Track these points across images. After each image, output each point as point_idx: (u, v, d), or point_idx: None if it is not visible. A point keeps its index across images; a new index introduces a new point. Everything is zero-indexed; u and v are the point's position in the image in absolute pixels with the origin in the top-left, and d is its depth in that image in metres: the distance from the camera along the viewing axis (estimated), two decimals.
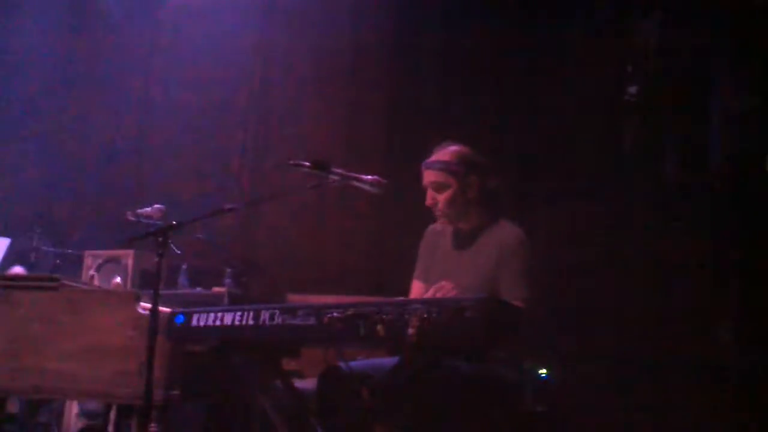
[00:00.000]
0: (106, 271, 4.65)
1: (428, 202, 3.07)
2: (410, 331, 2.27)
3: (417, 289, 3.19)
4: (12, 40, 6.44)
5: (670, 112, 2.80)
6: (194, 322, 2.95)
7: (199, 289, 4.72)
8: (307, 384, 3.26)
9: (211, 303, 4.40)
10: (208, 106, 6.17)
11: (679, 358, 2.77)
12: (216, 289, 4.71)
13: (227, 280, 4.79)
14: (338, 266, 5.68)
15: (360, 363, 2.87)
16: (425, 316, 2.26)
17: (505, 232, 3.01)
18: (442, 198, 3.05)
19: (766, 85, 3.02)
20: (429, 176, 3.08)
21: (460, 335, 2.21)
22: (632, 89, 2.92)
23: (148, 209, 3.95)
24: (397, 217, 4.98)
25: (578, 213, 3.12)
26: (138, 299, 3.27)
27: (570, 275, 3.18)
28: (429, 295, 2.77)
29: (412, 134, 5.39)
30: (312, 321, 2.57)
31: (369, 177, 3.05)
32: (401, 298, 3.07)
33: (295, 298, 4.45)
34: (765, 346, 2.78)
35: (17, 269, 5.17)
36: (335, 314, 2.48)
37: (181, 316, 3.00)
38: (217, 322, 2.86)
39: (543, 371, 2.95)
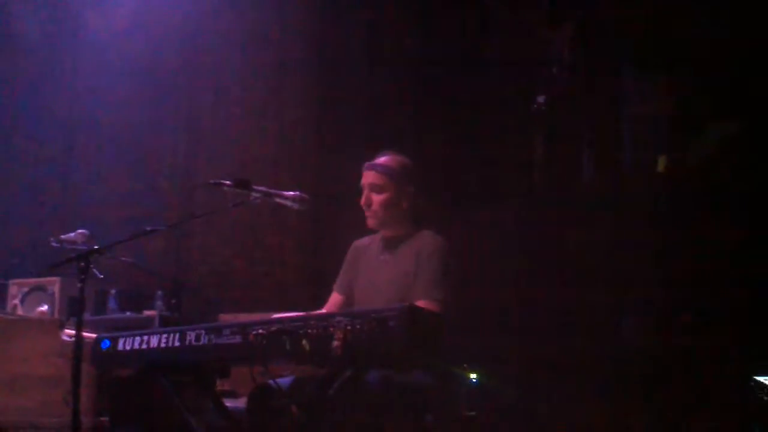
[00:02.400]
0: (32, 299, 4.56)
1: (363, 201, 3.11)
2: (335, 344, 2.28)
3: (334, 299, 3.22)
4: None
5: (581, 119, 2.89)
6: (120, 347, 2.91)
7: (128, 313, 4.65)
8: (239, 403, 3.24)
9: (141, 327, 4.33)
10: (135, 127, 6.09)
11: (588, 356, 2.85)
12: (147, 312, 4.66)
13: (158, 303, 4.73)
14: (273, 284, 5.66)
15: (288, 379, 2.86)
16: (349, 328, 2.28)
17: (425, 240, 3.06)
18: (377, 200, 3.09)
19: (673, 91, 3.14)
20: (369, 177, 3.12)
21: (384, 345, 2.23)
22: (540, 99, 3.00)
23: (72, 235, 3.89)
24: (330, 232, 4.99)
25: (498, 221, 3.20)
26: (62, 327, 3.22)
27: (489, 282, 3.24)
28: None
29: (341, 151, 5.43)
30: (238, 339, 2.56)
31: (291, 193, 3.06)
32: (324, 311, 3.10)
33: (226, 318, 4.42)
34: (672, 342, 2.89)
35: None
36: (260, 331, 2.48)
37: (107, 341, 2.96)
38: (143, 346, 2.83)
39: (472, 376, 2.99)
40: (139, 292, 4.82)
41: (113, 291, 4.72)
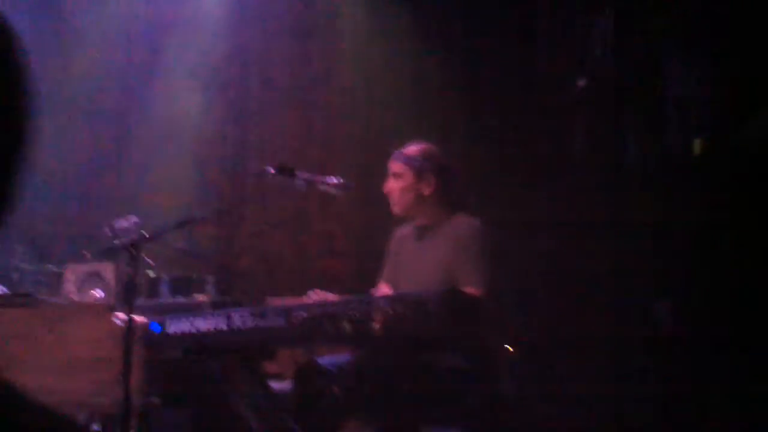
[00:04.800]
0: (88, 285, 4.68)
1: (385, 188, 3.17)
2: (375, 326, 2.31)
3: (382, 290, 3.25)
4: None
5: (624, 103, 2.85)
6: (169, 330, 2.99)
7: (180, 298, 4.74)
8: (286, 385, 3.30)
9: (192, 312, 4.43)
10: (185, 116, 6.20)
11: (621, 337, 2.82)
12: (198, 297, 4.74)
13: (209, 288, 4.82)
14: (321, 270, 5.72)
15: (332, 359, 2.91)
16: (389, 311, 2.31)
17: (462, 224, 3.08)
18: (395, 187, 3.16)
19: (716, 73, 3.08)
20: (392, 166, 3.20)
21: (423, 328, 2.25)
22: (581, 82, 2.97)
23: (124, 222, 3.97)
24: (379, 219, 5.03)
25: (539, 204, 3.18)
26: (113, 310, 3.31)
27: (533, 265, 3.23)
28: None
29: (389, 137, 5.45)
30: (281, 322, 2.61)
31: (333, 180, 3.10)
32: (366, 296, 3.14)
33: (273, 301, 4.49)
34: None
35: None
36: (302, 314, 2.52)
37: (157, 325, 3.05)
38: (192, 329, 2.90)
39: (510, 356, 2.99)
40: (190, 278, 4.90)
41: (165, 276, 4.81)
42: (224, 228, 5.88)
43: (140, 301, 3.97)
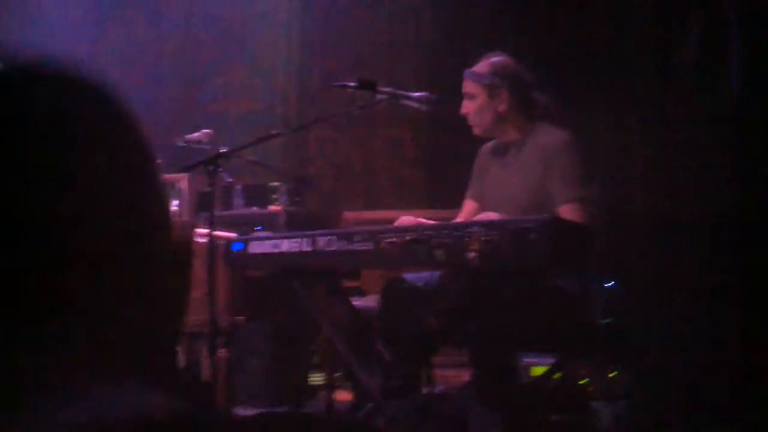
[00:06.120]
0: None
1: (461, 110, 3.05)
2: (471, 255, 2.23)
3: (467, 207, 3.15)
4: None
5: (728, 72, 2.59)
6: (252, 250, 2.96)
7: (254, 208, 4.73)
8: (368, 302, 3.27)
9: (268, 222, 4.42)
10: (250, 22, 6.07)
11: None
12: (271, 207, 4.72)
13: (282, 198, 4.78)
14: (390, 176, 5.66)
15: (417, 278, 2.84)
16: (485, 239, 2.22)
17: (547, 136, 2.93)
18: (470, 107, 3.03)
19: None
20: (464, 86, 3.07)
21: (524, 258, 2.16)
22: (686, 50, 2.70)
23: (197, 134, 3.93)
24: (447, 124, 4.90)
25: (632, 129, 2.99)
26: (193, 228, 3.29)
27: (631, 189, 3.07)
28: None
29: (459, 39, 5.27)
30: (369, 246, 2.55)
31: (417, 94, 2.98)
32: (458, 221, 3.05)
33: (350, 216, 4.44)
34: None
35: None
36: (393, 239, 2.45)
37: (239, 244, 3.02)
38: (275, 250, 2.87)
39: (609, 282, 2.90)
40: (263, 187, 4.87)
41: (238, 187, 4.78)
42: (292, 135, 5.81)
43: (215, 212, 3.95)
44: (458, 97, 3.18)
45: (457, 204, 3.34)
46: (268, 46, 6.09)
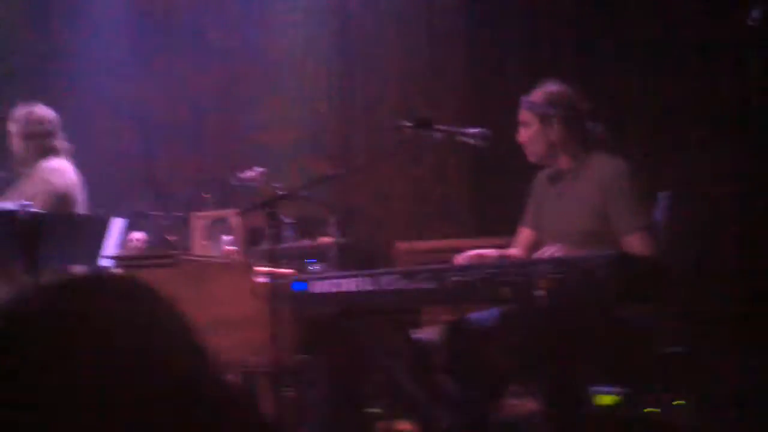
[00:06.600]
0: (214, 232, 4.74)
1: (518, 138, 3.08)
2: (539, 293, 2.24)
3: (524, 235, 3.17)
4: (87, 6, 6.52)
5: None
6: (313, 289, 2.99)
7: (306, 241, 4.77)
8: (426, 334, 3.28)
9: (320, 254, 4.45)
10: (291, 52, 6.16)
11: None
12: (322, 239, 4.75)
13: (332, 229, 4.81)
14: (437, 202, 5.68)
15: (486, 316, 2.84)
16: (553, 277, 2.22)
17: (604, 165, 2.94)
18: (525, 135, 3.06)
19: None
20: (520, 113, 3.10)
21: (592, 296, 2.17)
22: (755, 13, 2.70)
23: (251, 173, 3.99)
24: (493, 150, 4.92)
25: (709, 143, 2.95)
26: (251, 267, 3.33)
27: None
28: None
29: (498, 61, 5.30)
30: (433, 285, 2.56)
31: (473, 130, 3.00)
32: (516, 251, 3.06)
33: (403, 246, 4.46)
34: None
35: (138, 235, 5.33)
36: (458, 278, 2.47)
37: (301, 283, 3.05)
38: (337, 289, 2.89)
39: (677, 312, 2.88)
40: (313, 220, 4.91)
41: (288, 220, 4.83)
42: (336, 165, 5.86)
43: (264, 245, 3.98)
44: (499, 120, 3.23)
45: (504, 228, 3.37)
46: (309, 75, 6.16)
